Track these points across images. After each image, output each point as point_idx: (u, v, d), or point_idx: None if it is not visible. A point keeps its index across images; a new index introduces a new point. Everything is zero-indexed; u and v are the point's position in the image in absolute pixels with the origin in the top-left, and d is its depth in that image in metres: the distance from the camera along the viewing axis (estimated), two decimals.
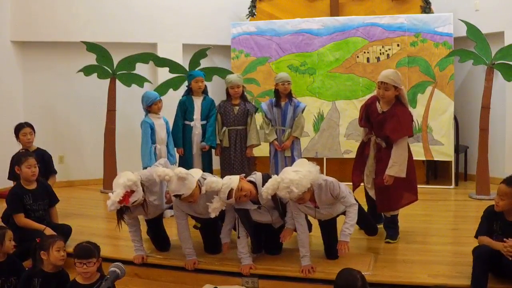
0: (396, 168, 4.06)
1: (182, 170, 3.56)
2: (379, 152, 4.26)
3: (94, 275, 3.09)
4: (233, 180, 3.57)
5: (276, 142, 5.34)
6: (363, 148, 4.44)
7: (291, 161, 5.19)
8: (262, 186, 3.57)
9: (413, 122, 4.26)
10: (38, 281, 3.22)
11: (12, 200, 4.34)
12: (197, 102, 5.45)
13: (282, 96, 5.32)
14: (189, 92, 5.49)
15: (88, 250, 3.06)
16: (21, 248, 3.79)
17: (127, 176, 3.60)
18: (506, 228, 3.32)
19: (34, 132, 5.27)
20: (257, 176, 3.73)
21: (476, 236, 3.46)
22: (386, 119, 4.11)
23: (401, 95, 4.12)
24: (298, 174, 3.38)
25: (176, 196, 3.61)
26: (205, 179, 3.70)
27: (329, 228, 3.91)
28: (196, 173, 3.76)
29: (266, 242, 4.04)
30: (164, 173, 3.58)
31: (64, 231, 4.30)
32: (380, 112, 4.18)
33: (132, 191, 3.58)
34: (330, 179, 3.65)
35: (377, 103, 4.21)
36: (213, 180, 3.59)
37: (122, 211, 3.77)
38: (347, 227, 3.64)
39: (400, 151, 4.07)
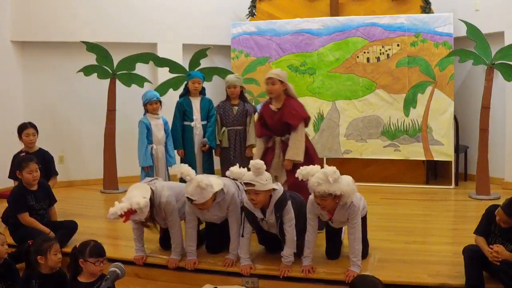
0: (291, 152, 4.36)
1: (204, 180, 3.55)
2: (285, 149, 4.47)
3: (96, 273, 3.08)
4: (260, 183, 3.51)
5: None
6: (265, 155, 4.57)
7: None
8: (274, 205, 3.59)
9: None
10: (36, 282, 3.20)
11: (15, 199, 4.34)
12: (195, 102, 5.45)
13: None
14: (186, 93, 5.50)
15: (102, 248, 3.06)
16: (20, 249, 3.78)
17: (137, 199, 3.55)
18: (504, 231, 3.32)
19: (37, 133, 5.28)
20: (276, 193, 3.64)
21: (475, 232, 3.48)
22: (283, 113, 4.44)
23: (288, 89, 4.49)
24: (339, 176, 3.38)
25: (188, 199, 3.63)
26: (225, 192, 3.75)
27: (334, 229, 3.90)
28: (217, 185, 3.71)
29: (265, 241, 4.05)
30: (188, 173, 3.59)
31: (72, 226, 4.43)
32: (275, 111, 4.50)
33: (135, 211, 3.57)
34: (358, 204, 3.58)
35: (270, 105, 4.55)
36: (241, 172, 3.61)
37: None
38: (356, 261, 3.53)
39: (296, 137, 4.38)
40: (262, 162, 3.53)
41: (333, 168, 3.40)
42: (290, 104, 4.45)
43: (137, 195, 3.59)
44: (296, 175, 3.53)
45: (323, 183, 3.35)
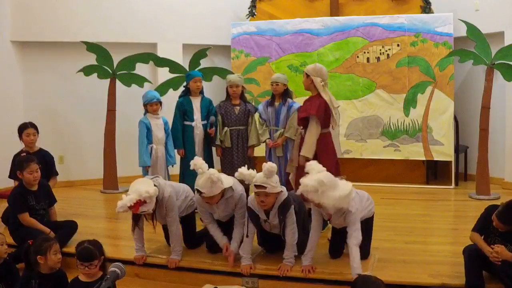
0: (303, 148, 4.48)
1: (216, 174, 3.62)
2: (301, 142, 4.62)
3: (97, 273, 3.09)
4: (272, 185, 3.53)
5: (267, 141, 5.38)
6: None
7: (284, 161, 5.21)
8: (278, 207, 3.61)
9: (327, 108, 4.55)
10: (35, 282, 3.20)
11: (16, 200, 4.34)
12: (196, 102, 5.45)
13: (276, 96, 5.35)
14: (187, 93, 5.49)
15: (89, 253, 3.04)
16: (20, 249, 3.78)
17: (146, 187, 3.60)
18: (503, 232, 3.31)
19: (38, 133, 5.27)
20: (282, 195, 3.66)
21: (472, 230, 3.49)
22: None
23: (315, 84, 4.55)
24: (331, 187, 3.34)
25: (198, 191, 3.67)
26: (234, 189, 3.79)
27: (339, 229, 3.89)
28: (227, 182, 3.76)
29: (265, 242, 4.05)
30: (201, 166, 3.63)
31: (72, 226, 4.44)
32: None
33: (145, 201, 3.60)
34: (355, 210, 3.52)
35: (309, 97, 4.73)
36: (250, 173, 3.63)
37: (138, 217, 3.82)
38: (356, 265, 3.46)
39: (308, 134, 4.51)
40: (275, 165, 3.54)
41: (326, 178, 3.36)
42: (309, 99, 4.61)
43: (143, 187, 3.61)
44: (305, 169, 3.54)
45: (310, 191, 3.35)
